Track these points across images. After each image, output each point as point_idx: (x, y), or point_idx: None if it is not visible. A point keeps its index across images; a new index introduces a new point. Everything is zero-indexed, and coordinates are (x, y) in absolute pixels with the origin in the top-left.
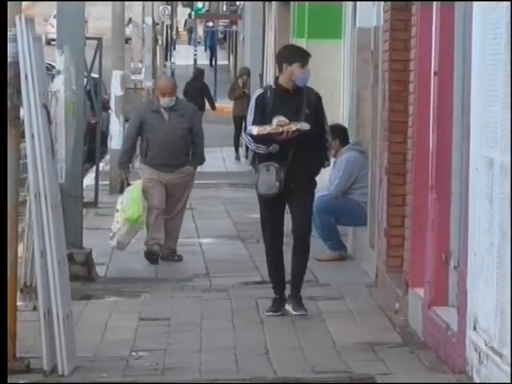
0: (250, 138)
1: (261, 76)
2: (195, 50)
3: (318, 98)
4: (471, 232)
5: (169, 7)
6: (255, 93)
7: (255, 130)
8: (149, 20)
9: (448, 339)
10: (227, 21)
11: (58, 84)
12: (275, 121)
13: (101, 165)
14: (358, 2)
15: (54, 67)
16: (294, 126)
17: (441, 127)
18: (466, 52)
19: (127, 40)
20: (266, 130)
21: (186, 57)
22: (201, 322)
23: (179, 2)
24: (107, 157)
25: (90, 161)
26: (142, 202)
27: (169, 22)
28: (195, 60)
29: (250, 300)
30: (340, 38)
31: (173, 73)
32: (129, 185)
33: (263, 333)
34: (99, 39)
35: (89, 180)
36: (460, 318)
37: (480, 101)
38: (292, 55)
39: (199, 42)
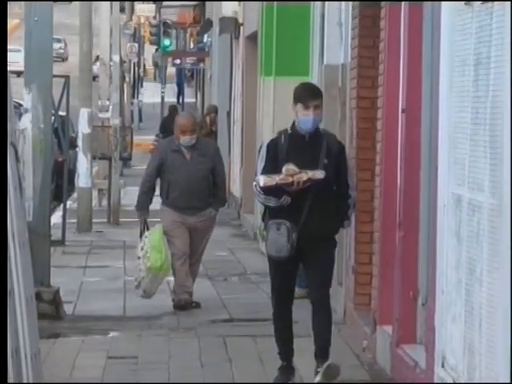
0: (258, 189)
1: (228, 114)
2: (163, 88)
3: (341, 148)
4: (439, 269)
5: (136, 45)
6: (267, 139)
7: (262, 180)
8: (116, 58)
9: (416, 376)
10: (194, 58)
11: (26, 122)
12: (284, 170)
13: (68, 203)
14: (325, 40)
15: (21, 105)
16: (305, 175)
17: (408, 164)
18: (434, 89)
19: (94, 78)
20: (273, 180)
21: (153, 94)
22: (169, 361)
23: (146, 41)
24: (74, 195)
25: (57, 199)
26: (165, 247)
27: (136, 60)
28: (162, 98)
29: (217, 338)
30: (307, 75)
31: (140, 110)
32: (148, 228)
33: (231, 371)
34: (67, 77)
35: (56, 218)
36: (428, 355)
37: (448, 138)
38: (297, 94)
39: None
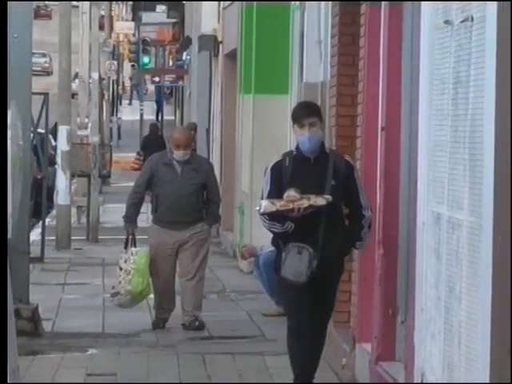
0: (262, 215)
1: (207, 131)
2: (141, 105)
3: (350, 168)
4: (418, 287)
5: (115, 62)
6: (271, 161)
7: (263, 206)
8: (95, 75)
9: None
10: (173, 76)
11: None
12: (285, 196)
13: (47, 220)
14: (305, 58)
15: None
16: (306, 202)
17: (388, 182)
18: (413, 107)
19: (73, 95)
20: (274, 206)
21: (132, 112)
22: (148, 378)
23: (125, 58)
24: (53, 212)
25: (36, 216)
26: (148, 274)
27: (115, 77)
28: (141, 115)
29: (196, 356)
30: (287, 93)
31: (119, 128)
32: (135, 240)
33: None
34: (46, 94)
35: (35, 235)
36: (407, 372)
37: (427, 156)
38: (293, 114)
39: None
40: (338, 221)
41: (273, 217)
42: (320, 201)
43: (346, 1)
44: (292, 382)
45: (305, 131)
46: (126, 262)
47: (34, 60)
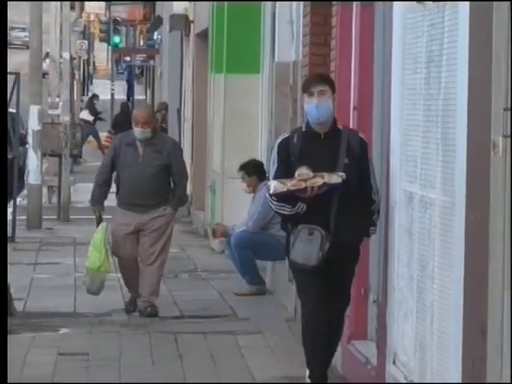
0: (270, 196)
1: (178, 111)
2: (112, 85)
3: (363, 145)
4: (390, 266)
5: (86, 42)
6: (279, 137)
7: (272, 187)
8: (66, 55)
9: (367, 373)
10: (144, 55)
11: None
12: (297, 174)
13: (18, 200)
14: (276, 37)
15: None
16: (320, 180)
17: None
18: (386, 86)
19: (44, 74)
20: (285, 186)
21: (102, 91)
22: (120, 358)
23: (96, 38)
24: (24, 192)
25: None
26: (106, 247)
27: (86, 57)
28: (112, 94)
29: (168, 335)
30: (258, 72)
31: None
32: (101, 221)
33: (182, 368)
34: (17, 74)
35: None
36: (379, 352)
37: (400, 135)
38: (304, 84)
39: (122, 73)
40: (353, 203)
41: (282, 198)
42: (335, 178)
43: (318, 1)
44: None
45: (313, 99)
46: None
47: (14, 34)
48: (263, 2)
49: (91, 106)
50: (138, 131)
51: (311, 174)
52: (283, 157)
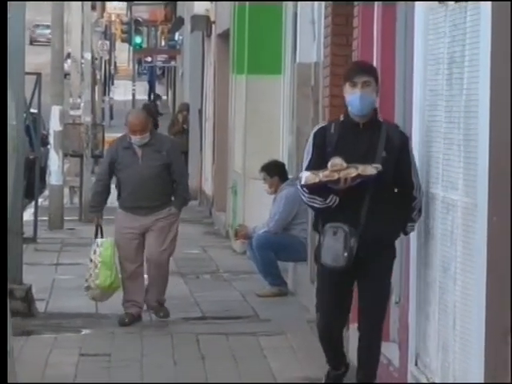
0: (301, 188)
1: (200, 111)
2: (133, 85)
3: (404, 139)
4: (413, 267)
5: (107, 42)
6: (315, 126)
7: (304, 177)
8: (88, 55)
9: (390, 375)
10: (166, 56)
11: None
12: (330, 165)
13: (40, 200)
14: (298, 38)
15: None
16: (354, 171)
17: None
18: (408, 87)
19: (66, 75)
20: (317, 177)
21: (124, 92)
22: (141, 358)
23: (118, 38)
24: (46, 192)
25: (28, 196)
26: (115, 264)
27: (107, 58)
28: (133, 95)
29: (190, 336)
30: (280, 73)
31: (111, 108)
32: (101, 229)
33: (204, 369)
34: (38, 74)
35: (28, 215)
36: (401, 353)
37: (421, 137)
38: (345, 73)
39: (145, 73)
40: (387, 199)
41: (314, 190)
42: (369, 170)
43: (341, 0)
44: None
45: (356, 90)
46: (94, 253)
47: (38, 31)
48: (285, 3)
49: (153, 107)
50: (137, 139)
51: (345, 164)
52: (319, 147)
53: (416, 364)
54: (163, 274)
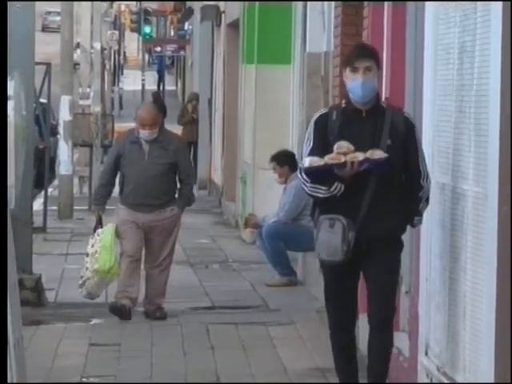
0: (304, 177)
1: (209, 101)
2: (143, 75)
3: (410, 125)
4: (423, 257)
5: (116, 32)
6: (316, 113)
7: (307, 161)
8: (97, 45)
9: (400, 364)
10: (175, 46)
11: (8, 109)
12: (336, 147)
13: (49, 190)
14: (308, 28)
15: None
16: (361, 155)
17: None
18: (418, 77)
19: (75, 65)
20: (321, 160)
21: (133, 82)
22: (151, 348)
23: (127, 28)
24: (55, 182)
25: (38, 186)
26: (116, 249)
27: (116, 48)
28: (143, 85)
29: (200, 326)
30: (289, 63)
31: (121, 98)
32: (101, 225)
33: (214, 359)
34: (48, 64)
35: (37, 205)
36: (412, 343)
37: (432, 126)
38: (346, 57)
39: (155, 63)
40: (392, 190)
41: (317, 177)
42: (378, 154)
43: (350, 0)
44: None
45: (358, 76)
46: (92, 246)
47: (50, 18)
48: None
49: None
50: (145, 133)
51: (352, 147)
52: (320, 135)
53: (426, 354)
54: (164, 279)
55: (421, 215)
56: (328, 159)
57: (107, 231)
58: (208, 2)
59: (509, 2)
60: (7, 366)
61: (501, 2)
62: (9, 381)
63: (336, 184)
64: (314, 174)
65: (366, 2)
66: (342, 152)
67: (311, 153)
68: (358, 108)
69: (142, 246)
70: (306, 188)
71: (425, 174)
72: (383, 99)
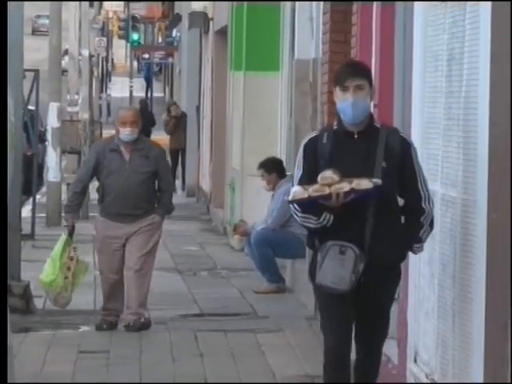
0: (295, 206)
1: (197, 108)
2: (131, 82)
3: (406, 146)
4: (412, 264)
5: (104, 39)
6: (306, 137)
7: (292, 192)
8: (85, 52)
9: (388, 372)
10: (163, 53)
11: None
12: (319, 178)
13: (37, 197)
14: (296, 34)
15: None
16: (346, 185)
17: None
18: (407, 84)
19: (63, 72)
20: (305, 192)
21: (121, 89)
22: (140, 355)
23: (115, 35)
24: (44, 189)
25: (26, 193)
26: (61, 261)
27: (104, 54)
28: (131, 92)
29: (188, 332)
30: (278, 70)
31: (108, 105)
32: (73, 232)
33: (203, 365)
34: (36, 71)
35: (25, 212)
36: (400, 350)
37: (420, 133)
38: (337, 74)
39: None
40: (392, 215)
41: (306, 208)
42: (365, 184)
43: (339, 1)
44: None
45: (348, 95)
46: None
47: (40, 22)
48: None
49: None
50: (126, 132)
51: (336, 177)
52: (310, 160)
53: (415, 361)
54: (146, 286)
55: (422, 242)
56: (312, 191)
57: (59, 243)
58: (196, 8)
59: (498, 10)
60: (7, 366)
61: (489, 9)
62: None
63: (324, 214)
64: (303, 205)
65: (354, 5)
66: (327, 183)
67: (301, 179)
68: (349, 130)
69: (122, 266)
70: (297, 218)
71: (426, 196)
72: (372, 106)
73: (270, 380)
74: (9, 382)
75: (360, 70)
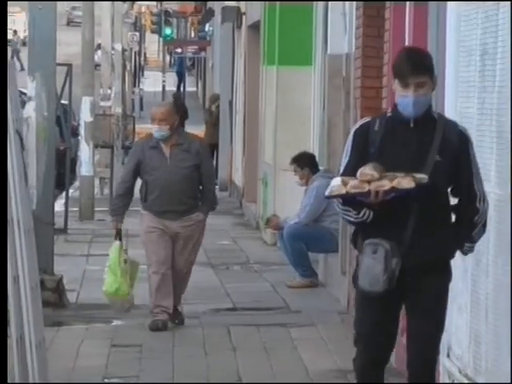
0: (334, 198)
1: (230, 103)
2: (163, 76)
3: (464, 140)
4: None
5: (137, 33)
6: (357, 122)
7: (330, 187)
8: (118, 46)
9: None
10: (196, 47)
11: (30, 110)
12: (359, 174)
13: (70, 191)
14: (329, 29)
15: (25, 93)
16: (387, 183)
17: None
18: (440, 79)
19: (96, 66)
20: (343, 188)
21: (154, 83)
22: (173, 349)
23: (147, 29)
24: (76, 183)
25: (59, 187)
26: (121, 268)
27: (137, 49)
28: (164, 86)
29: (221, 327)
30: (311, 64)
31: (141, 99)
32: (120, 235)
33: (235, 360)
34: (69, 65)
35: (58, 206)
36: None
37: None
38: (396, 66)
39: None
40: (440, 212)
41: (347, 201)
42: (407, 182)
43: (371, 1)
44: None
45: (409, 92)
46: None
47: (75, 13)
48: None
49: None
50: (155, 129)
51: (376, 174)
52: (359, 147)
53: (448, 356)
54: (185, 282)
55: (474, 242)
56: (350, 187)
57: (112, 249)
58: (229, 3)
59: None
60: (7, 366)
61: None
62: (30, 381)
63: (364, 210)
64: (342, 198)
65: (387, 3)
66: (366, 180)
67: (347, 167)
68: (404, 118)
69: (171, 255)
70: (338, 210)
71: (481, 195)
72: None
73: (303, 374)
74: (41, 376)
75: (422, 66)
